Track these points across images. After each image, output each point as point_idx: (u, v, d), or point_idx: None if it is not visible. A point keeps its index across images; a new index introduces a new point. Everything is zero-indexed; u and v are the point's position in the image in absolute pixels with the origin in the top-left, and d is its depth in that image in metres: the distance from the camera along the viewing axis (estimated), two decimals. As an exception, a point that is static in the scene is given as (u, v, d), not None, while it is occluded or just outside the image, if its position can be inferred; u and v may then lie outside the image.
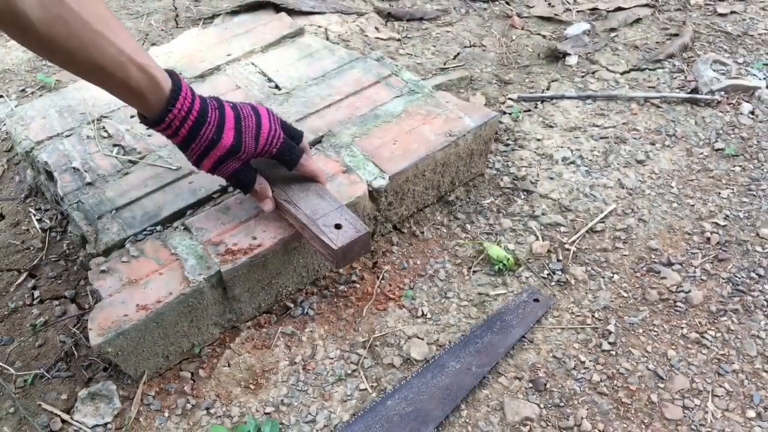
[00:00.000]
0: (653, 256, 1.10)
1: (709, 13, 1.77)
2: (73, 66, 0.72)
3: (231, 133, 0.83)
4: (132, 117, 1.14)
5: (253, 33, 1.39)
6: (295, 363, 0.94)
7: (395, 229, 1.14)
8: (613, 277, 1.06)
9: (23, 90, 1.52)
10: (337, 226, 0.87)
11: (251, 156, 0.87)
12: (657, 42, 1.66)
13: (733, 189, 1.23)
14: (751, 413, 0.88)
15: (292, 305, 1.02)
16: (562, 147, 1.32)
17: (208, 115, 0.82)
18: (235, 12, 1.65)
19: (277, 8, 1.61)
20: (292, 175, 0.94)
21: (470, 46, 1.66)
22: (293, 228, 0.93)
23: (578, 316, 1.00)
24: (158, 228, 0.96)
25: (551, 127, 1.38)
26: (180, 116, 0.79)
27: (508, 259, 1.06)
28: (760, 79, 1.48)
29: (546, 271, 1.07)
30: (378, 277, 1.06)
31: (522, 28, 1.75)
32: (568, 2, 1.86)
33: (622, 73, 1.55)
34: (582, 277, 1.06)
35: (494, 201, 1.20)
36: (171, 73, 0.80)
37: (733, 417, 0.87)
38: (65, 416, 0.88)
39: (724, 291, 1.04)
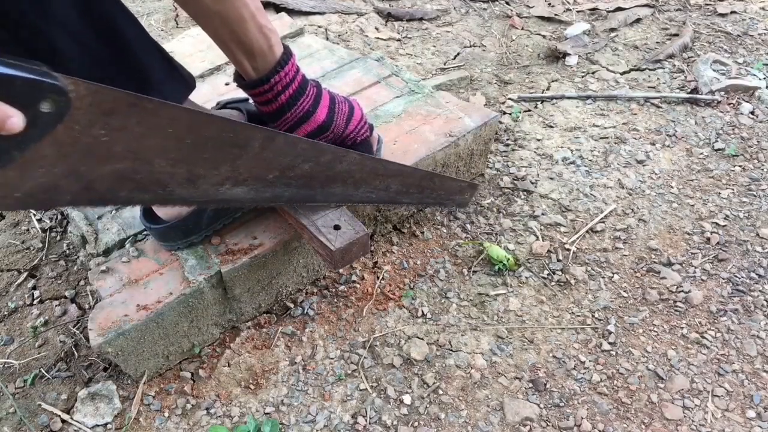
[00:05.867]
0: (653, 256, 1.10)
1: (709, 13, 1.77)
2: (196, 7, 0.71)
3: (324, 110, 0.85)
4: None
5: (253, 33, 1.39)
6: (295, 363, 0.94)
7: (395, 229, 1.14)
8: (613, 277, 1.06)
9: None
10: (336, 228, 0.87)
11: (338, 138, 0.88)
12: (657, 42, 1.66)
13: (733, 189, 1.23)
14: (751, 413, 0.88)
15: (292, 305, 1.02)
16: (562, 147, 1.32)
17: (308, 88, 0.83)
18: (235, 12, 1.65)
19: (277, 8, 1.61)
20: None
21: (470, 46, 1.66)
22: (293, 228, 0.93)
23: (578, 316, 1.00)
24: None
25: (551, 127, 1.38)
26: (284, 81, 0.79)
27: (508, 259, 1.06)
28: (760, 79, 1.48)
29: (546, 271, 1.07)
30: (378, 277, 1.06)
31: (522, 28, 1.75)
32: (568, 2, 1.86)
33: (622, 73, 1.55)
34: (582, 277, 1.06)
35: (494, 201, 1.20)
36: (282, 42, 0.80)
37: (733, 417, 0.87)
38: (65, 416, 0.88)
39: (724, 291, 1.04)
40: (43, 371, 0.94)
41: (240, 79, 0.81)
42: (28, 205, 0.57)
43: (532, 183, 1.23)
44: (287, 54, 0.79)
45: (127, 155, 0.57)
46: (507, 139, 1.34)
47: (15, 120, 0.46)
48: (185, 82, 0.82)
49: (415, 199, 0.98)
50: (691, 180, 1.25)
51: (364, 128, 0.92)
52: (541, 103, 1.46)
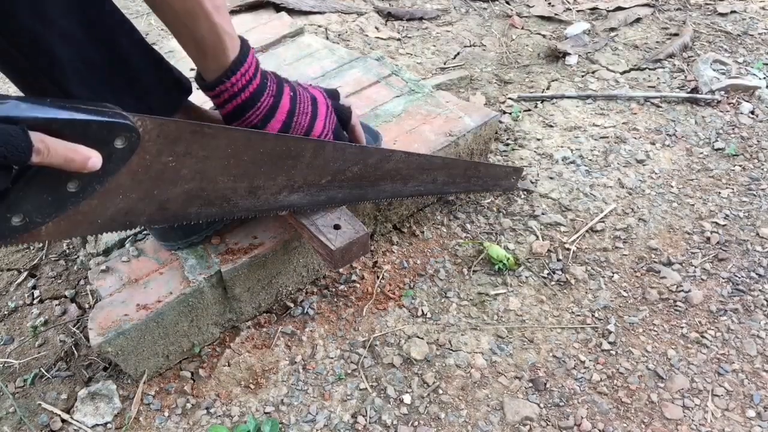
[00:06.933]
0: (653, 256, 1.10)
1: (709, 13, 1.77)
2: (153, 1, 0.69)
3: (278, 126, 0.80)
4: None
5: (254, 32, 1.39)
6: (295, 363, 0.94)
7: (395, 228, 1.14)
8: (613, 276, 1.06)
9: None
10: (336, 227, 0.87)
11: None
12: (657, 41, 1.66)
13: (733, 189, 1.23)
14: (751, 413, 0.88)
15: (292, 305, 1.02)
16: (562, 147, 1.32)
17: (259, 101, 0.77)
18: (235, 11, 1.65)
19: (278, 8, 1.61)
20: None
21: (470, 46, 1.66)
22: (293, 227, 0.93)
23: (578, 315, 1.00)
24: (158, 228, 0.96)
25: (551, 126, 1.38)
26: (231, 91, 0.75)
27: (508, 259, 1.06)
28: (760, 78, 1.48)
29: (546, 271, 1.07)
30: (378, 277, 1.06)
31: (522, 28, 1.75)
32: (568, 2, 1.86)
33: (622, 73, 1.55)
34: (582, 276, 1.06)
35: (494, 201, 1.20)
36: (243, 45, 0.75)
37: (733, 417, 0.87)
38: (65, 416, 0.88)
39: (724, 291, 1.04)
40: (43, 371, 0.94)
41: (200, 79, 0.78)
42: (110, 228, 0.64)
43: (532, 182, 1.23)
44: (240, 60, 0.75)
45: (194, 176, 0.65)
46: (507, 139, 1.34)
47: (94, 160, 0.53)
48: (182, 86, 0.82)
49: (462, 188, 1.07)
50: (691, 179, 1.25)
51: (332, 124, 0.86)
52: (541, 102, 1.45)
